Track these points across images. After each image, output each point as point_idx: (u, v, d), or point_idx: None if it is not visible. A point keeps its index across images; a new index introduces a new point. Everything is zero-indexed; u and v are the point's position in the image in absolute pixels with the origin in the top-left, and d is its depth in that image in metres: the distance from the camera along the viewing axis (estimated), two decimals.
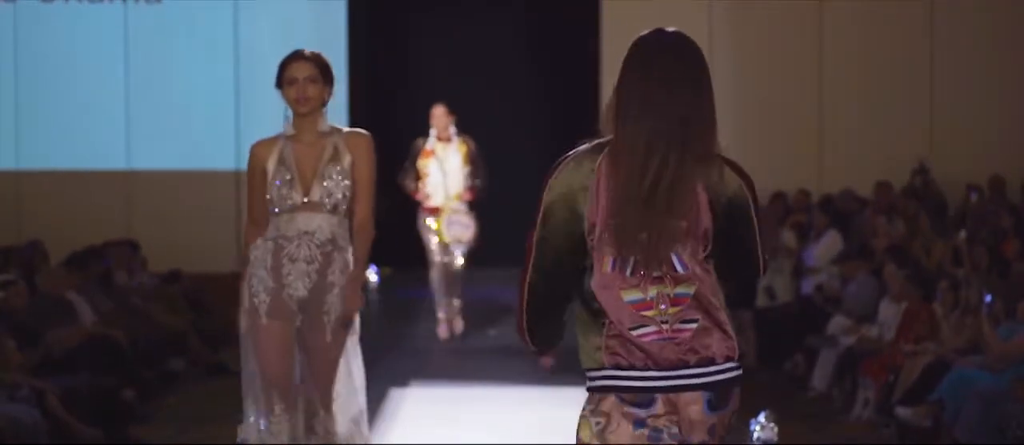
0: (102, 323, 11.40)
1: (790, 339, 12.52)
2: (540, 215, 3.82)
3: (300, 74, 6.32)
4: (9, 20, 14.86)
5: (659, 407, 3.77)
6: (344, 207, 6.26)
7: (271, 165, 6.32)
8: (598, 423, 3.82)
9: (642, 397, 3.77)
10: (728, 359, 3.82)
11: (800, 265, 12.96)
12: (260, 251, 6.29)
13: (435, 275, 12.82)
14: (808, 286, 12.79)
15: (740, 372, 3.86)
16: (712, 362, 3.79)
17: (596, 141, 3.86)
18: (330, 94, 6.38)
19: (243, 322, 6.27)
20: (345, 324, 6.26)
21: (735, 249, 3.89)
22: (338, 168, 6.26)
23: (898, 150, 14.93)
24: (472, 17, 17.52)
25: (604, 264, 3.77)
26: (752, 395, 10.97)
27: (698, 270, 3.78)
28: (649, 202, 3.72)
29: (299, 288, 6.21)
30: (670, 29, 3.99)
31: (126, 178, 15.01)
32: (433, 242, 12.70)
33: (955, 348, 9.76)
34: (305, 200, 6.23)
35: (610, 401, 3.80)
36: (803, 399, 11.48)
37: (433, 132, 12.59)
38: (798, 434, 9.75)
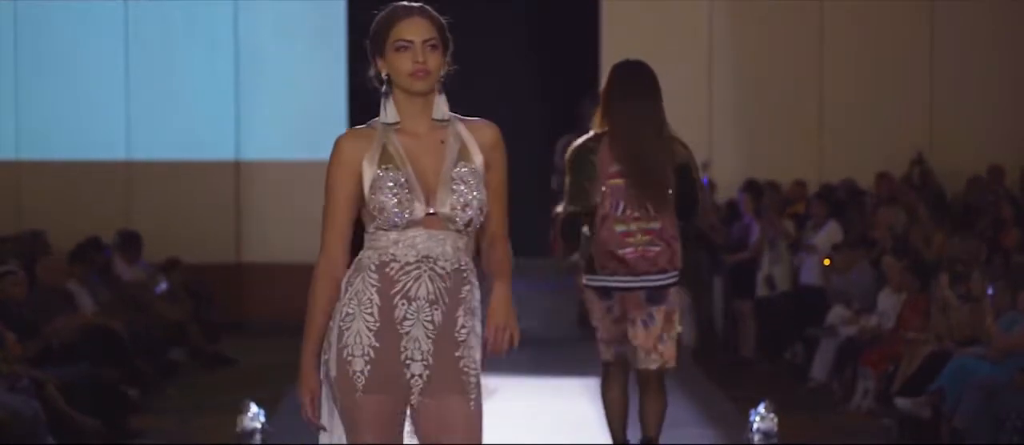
0: (102, 314, 11.41)
1: (790, 329, 12.53)
2: (571, 169, 6.55)
3: (416, 36, 4.39)
4: (9, 11, 14.85)
5: (618, 296, 6.45)
6: (478, 225, 4.41)
7: (371, 165, 4.37)
8: (588, 302, 6.72)
9: (606, 291, 6.46)
10: (674, 269, 6.45)
11: (799, 247, 12.98)
12: (356, 288, 4.37)
13: None
14: (808, 275, 12.79)
15: (675, 279, 6.48)
16: (663, 272, 6.41)
17: (594, 132, 6.60)
18: (448, 66, 4.55)
19: (332, 390, 4.41)
20: (500, 351, 4.43)
21: (685, 197, 6.53)
22: (470, 170, 4.41)
23: (897, 141, 14.92)
24: (473, 15, 17.50)
25: (605, 205, 6.42)
26: (752, 385, 11.07)
27: (665, 212, 6.43)
28: (633, 169, 6.34)
29: (420, 341, 4.33)
30: (633, 59, 6.68)
31: (126, 168, 15.01)
32: None
33: (954, 338, 9.76)
34: (430, 211, 4.34)
35: (591, 293, 6.62)
36: (803, 389, 11.49)
37: None
38: (798, 424, 9.75)
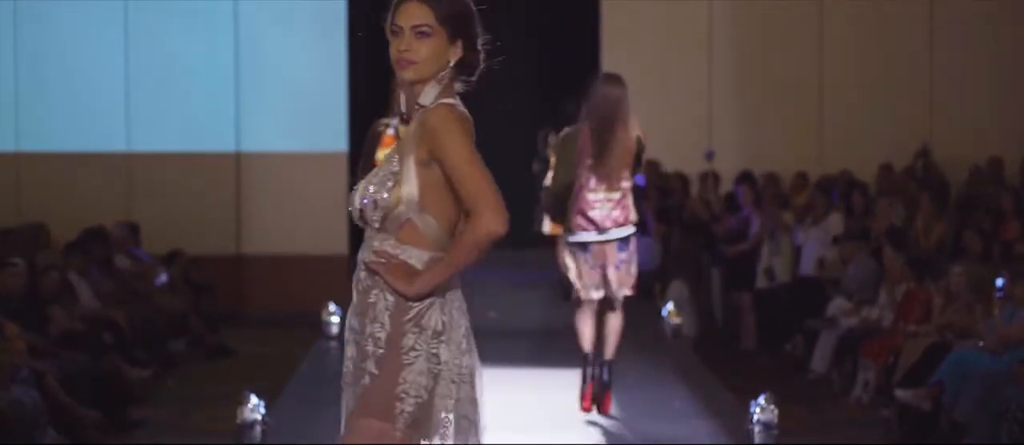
0: (102, 305, 11.42)
1: (790, 321, 12.53)
2: (557, 153, 8.52)
3: (405, 22, 4.05)
4: (9, 4, 14.85)
5: (593, 248, 8.29)
6: (399, 222, 4.04)
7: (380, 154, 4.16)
8: (570, 257, 8.42)
9: (584, 246, 8.31)
10: (630, 225, 8.28)
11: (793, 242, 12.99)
12: None
13: None
14: (807, 267, 12.79)
15: (634, 231, 8.33)
16: (623, 227, 8.25)
17: (577, 125, 8.42)
18: (459, 54, 4.12)
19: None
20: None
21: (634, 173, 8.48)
22: (390, 162, 4.09)
23: (898, 133, 14.93)
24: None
25: (581, 178, 8.26)
26: (752, 377, 11.07)
27: (625, 184, 8.25)
28: (603, 152, 8.21)
29: (350, 348, 4.16)
30: (610, 72, 8.96)
31: (126, 160, 15.01)
32: None
33: (954, 331, 9.78)
34: (351, 208, 4.17)
35: (572, 248, 8.37)
36: (803, 381, 11.50)
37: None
38: (798, 416, 9.76)
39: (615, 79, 8.43)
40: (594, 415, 8.63)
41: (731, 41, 15.32)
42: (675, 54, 15.35)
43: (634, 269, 8.45)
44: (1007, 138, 14.77)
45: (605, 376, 8.50)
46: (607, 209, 8.20)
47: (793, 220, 13.18)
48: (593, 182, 8.24)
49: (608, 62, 15.22)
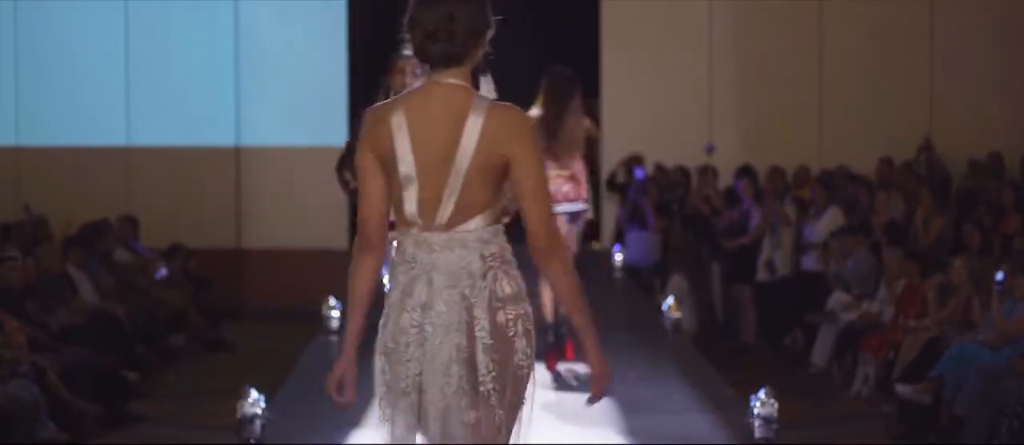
0: (102, 299, 11.42)
1: (790, 315, 12.53)
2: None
3: None
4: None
5: None
6: None
7: None
8: None
9: None
10: (580, 201, 9.26)
11: (800, 241, 12.97)
12: None
13: None
14: (809, 262, 12.79)
15: (584, 207, 9.33)
16: (574, 202, 9.19)
17: (536, 112, 9.18)
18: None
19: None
20: None
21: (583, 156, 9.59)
22: None
23: (898, 127, 14.92)
24: None
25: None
26: (752, 371, 11.07)
27: (576, 165, 9.25)
28: (556, 135, 9.13)
29: None
30: (563, 67, 9.43)
31: (126, 154, 15.01)
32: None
33: (951, 325, 9.77)
34: None
35: None
36: (802, 375, 11.50)
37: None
38: (798, 410, 9.75)
39: (569, 74, 9.61)
40: (594, 412, 8.62)
41: (731, 39, 15.31)
42: (675, 53, 15.34)
43: (573, 240, 9.47)
44: (1007, 133, 14.76)
45: (562, 328, 9.53)
46: (557, 184, 9.20)
47: (795, 214, 13.17)
48: (548, 160, 9.54)
49: (608, 62, 15.26)
